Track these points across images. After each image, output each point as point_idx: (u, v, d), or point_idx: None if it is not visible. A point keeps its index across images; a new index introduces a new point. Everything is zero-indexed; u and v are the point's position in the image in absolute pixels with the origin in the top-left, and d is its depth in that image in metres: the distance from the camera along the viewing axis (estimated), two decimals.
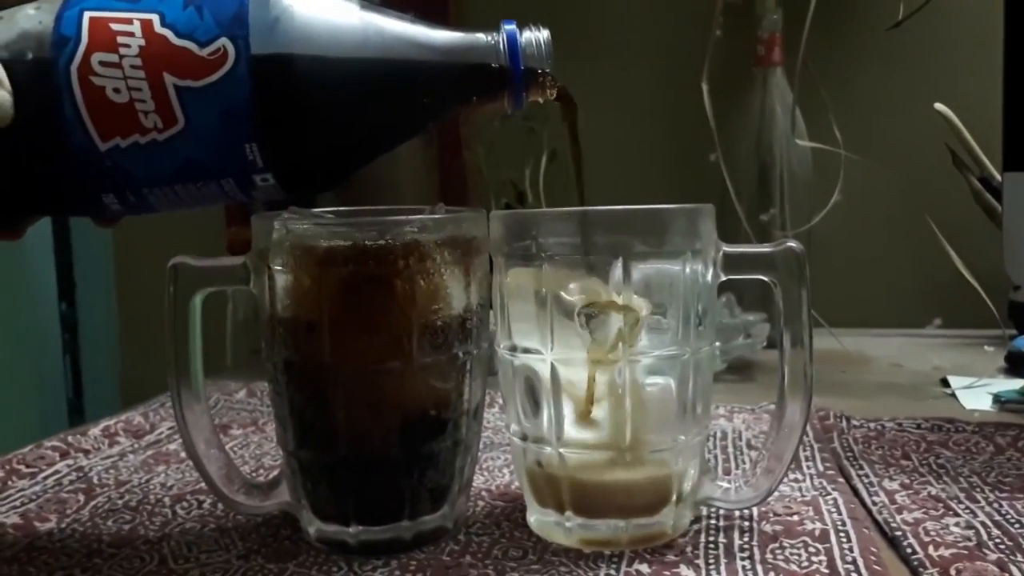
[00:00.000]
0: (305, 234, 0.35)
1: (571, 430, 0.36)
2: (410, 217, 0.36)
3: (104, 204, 0.35)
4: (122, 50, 0.32)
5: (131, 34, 0.32)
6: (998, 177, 0.76)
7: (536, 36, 0.36)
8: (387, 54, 0.34)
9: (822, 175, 0.81)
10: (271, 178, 0.35)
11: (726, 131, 0.80)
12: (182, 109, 0.32)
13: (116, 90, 0.32)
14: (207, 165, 0.34)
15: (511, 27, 0.36)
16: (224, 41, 0.32)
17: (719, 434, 0.52)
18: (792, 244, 0.36)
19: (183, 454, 0.50)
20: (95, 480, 0.47)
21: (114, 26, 0.32)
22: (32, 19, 0.33)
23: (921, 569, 0.34)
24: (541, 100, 0.37)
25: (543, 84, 0.36)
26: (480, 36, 0.36)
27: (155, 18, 0.33)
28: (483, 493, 0.44)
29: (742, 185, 0.79)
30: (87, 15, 0.33)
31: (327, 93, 0.33)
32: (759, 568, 0.34)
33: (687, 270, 0.36)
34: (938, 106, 0.79)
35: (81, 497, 0.44)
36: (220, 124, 0.33)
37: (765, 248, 0.37)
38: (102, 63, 0.32)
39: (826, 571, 0.34)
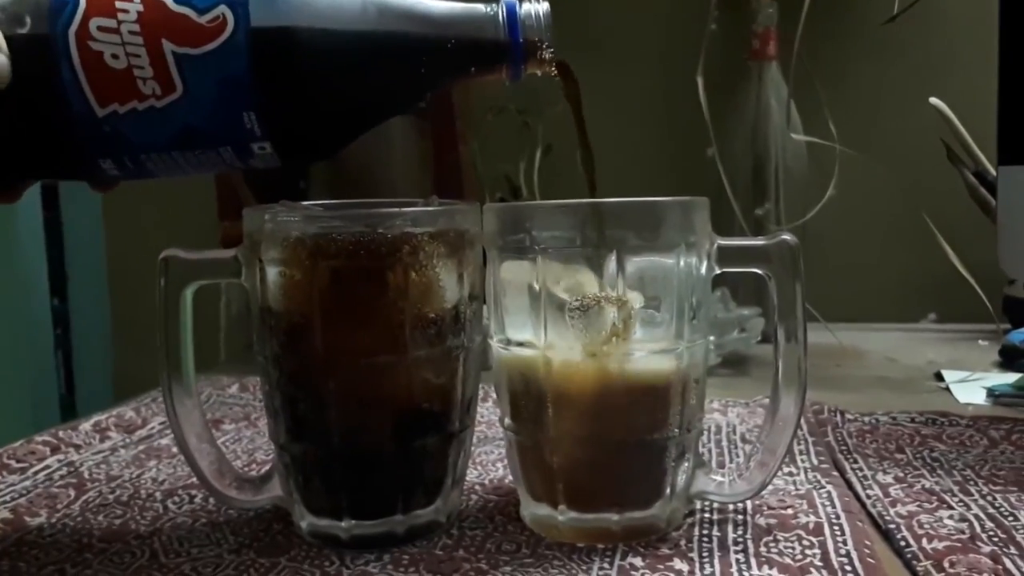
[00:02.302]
0: (296, 227, 0.35)
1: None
2: (402, 210, 0.36)
3: (101, 169, 0.35)
4: (120, 15, 0.32)
5: None
6: (993, 171, 0.76)
7: (535, 8, 0.35)
8: (386, 24, 0.34)
9: (817, 169, 0.81)
10: (269, 147, 0.34)
11: (721, 125, 0.79)
12: (180, 76, 0.32)
13: (114, 56, 0.32)
14: (205, 132, 0.34)
15: None
16: (223, 8, 0.32)
17: (713, 428, 0.52)
18: (786, 237, 0.36)
19: (175, 449, 0.50)
20: (86, 475, 0.47)
21: None
22: None
23: (915, 562, 0.34)
24: (539, 73, 0.36)
25: (542, 56, 0.35)
26: (479, 7, 0.35)
27: None
28: (477, 487, 0.44)
29: (737, 179, 0.79)
30: None
31: (326, 63, 0.33)
32: (753, 561, 0.34)
33: (681, 263, 0.36)
34: (933, 100, 0.79)
35: (72, 492, 0.44)
36: (218, 92, 0.32)
37: (759, 241, 0.37)
38: (100, 28, 0.32)
39: (820, 564, 0.34)
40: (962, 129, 0.79)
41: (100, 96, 0.32)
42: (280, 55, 0.32)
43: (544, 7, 0.36)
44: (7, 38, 0.31)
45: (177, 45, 0.32)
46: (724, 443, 0.50)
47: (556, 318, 0.35)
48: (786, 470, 0.44)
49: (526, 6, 0.35)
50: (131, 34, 0.32)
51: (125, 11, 0.32)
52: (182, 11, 0.32)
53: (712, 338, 0.67)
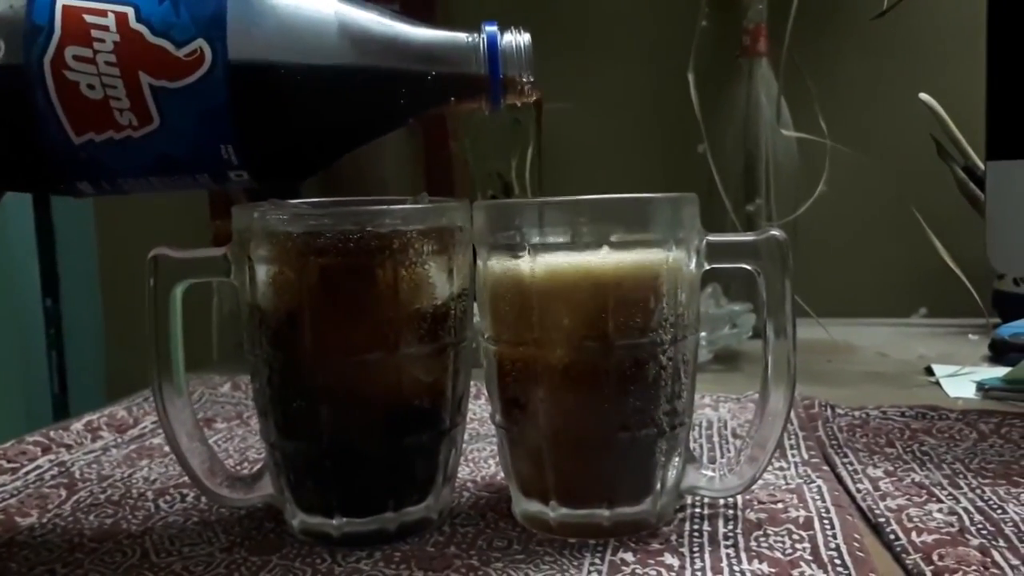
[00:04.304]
0: (285, 225, 0.35)
1: None
2: (391, 207, 0.36)
3: (78, 188, 0.35)
4: (96, 45, 0.31)
5: (105, 28, 0.31)
6: (982, 166, 0.76)
7: (517, 40, 0.35)
8: (365, 58, 0.34)
9: (808, 165, 0.81)
10: (245, 174, 0.34)
11: (712, 122, 0.80)
12: (157, 109, 0.32)
13: (90, 86, 0.32)
14: (182, 161, 0.34)
15: (492, 29, 0.35)
16: (201, 42, 0.32)
17: (704, 423, 0.52)
18: (775, 232, 0.36)
19: (166, 448, 0.50)
20: (77, 475, 0.46)
21: (88, 18, 0.32)
22: (2, 1, 0.32)
23: (904, 555, 0.34)
24: (519, 104, 0.36)
25: (521, 88, 0.35)
26: (461, 36, 0.35)
27: (130, 12, 0.32)
28: (468, 484, 0.44)
29: (728, 175, 0.79)
30: (60, 2, 0.32)
31: (304, 98, 0.33)
32: (743, 555, 0.34)
33: (670, 259, 0.36)
34: (922, 96, 0.79)
35: (63, 492, 0.44)
36: (196, 125, 0.32)
37: (748, 236, 0.37)
38: (76, 58, 0.31)
39: (810, 558, 0.34)
40: (951, 124, 0.80)
41: (76, 125, 0.32)
42: (258, 90, 0.32)
43: (526, 38, 0.35)
44: None
45: (154, 78, 0.31)
46: (715, 438, 0.50)
47: (546, 314, 0.36)
48: (776, 465, 0.44)
49: (507, 37, 0.35)
50: (107, 64, 0.31)
51: (101, 40, 0.31)
52: (159, 43, 0.31)
53: (703, 334, 0.68)
